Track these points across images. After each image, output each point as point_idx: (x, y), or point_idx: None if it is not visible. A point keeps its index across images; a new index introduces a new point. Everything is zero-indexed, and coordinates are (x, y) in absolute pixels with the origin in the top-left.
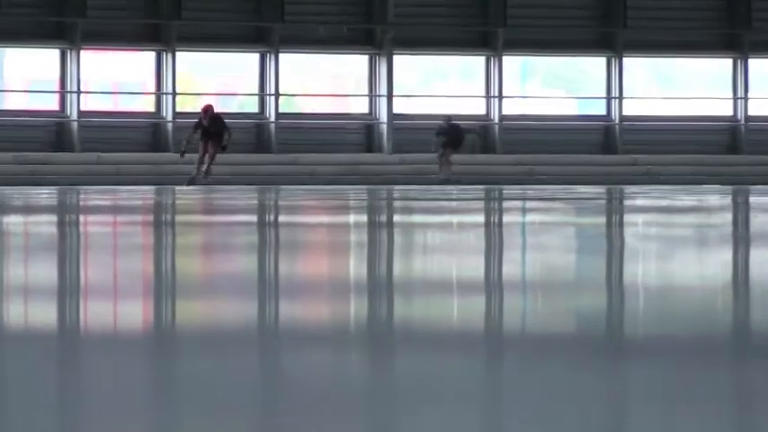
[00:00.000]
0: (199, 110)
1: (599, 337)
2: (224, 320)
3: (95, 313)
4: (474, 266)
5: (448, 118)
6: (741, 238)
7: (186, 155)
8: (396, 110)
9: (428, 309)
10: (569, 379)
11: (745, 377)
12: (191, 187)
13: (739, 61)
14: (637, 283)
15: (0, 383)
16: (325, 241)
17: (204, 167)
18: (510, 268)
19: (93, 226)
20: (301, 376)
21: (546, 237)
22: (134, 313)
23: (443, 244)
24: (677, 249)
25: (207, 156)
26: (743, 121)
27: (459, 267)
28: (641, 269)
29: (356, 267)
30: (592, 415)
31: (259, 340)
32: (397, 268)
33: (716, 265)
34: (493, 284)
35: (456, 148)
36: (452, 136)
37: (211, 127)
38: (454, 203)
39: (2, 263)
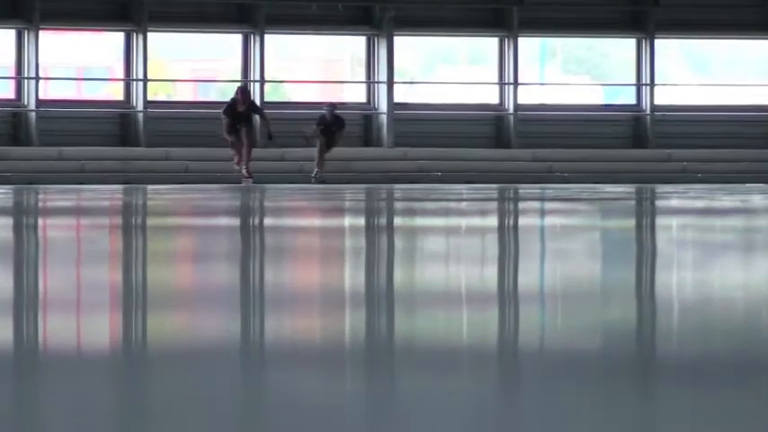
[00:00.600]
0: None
1: (627, 358)
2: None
3: (90, 330)
4: (487, 277)
5: (332, 106)
6: None
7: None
8: (397, 99)
9: (451, 323)
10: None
11: None
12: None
13: None
14: (670, 296)
15: None
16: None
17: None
18: (526, 279)
19: (53, 231)
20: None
21: (565, 244)
22: (101, 329)
23: (452, 252)
24: (716, 258)
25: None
26: None
27: (469, 278)
28: (675, 280)
29: (377, 280)
30: None
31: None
32: (404, 279)
33: (761, 275)
34: (509, 297)
35: (330, 142)
36: (331, 127)
37: (247, 113)
38: (464, 204)
39: None
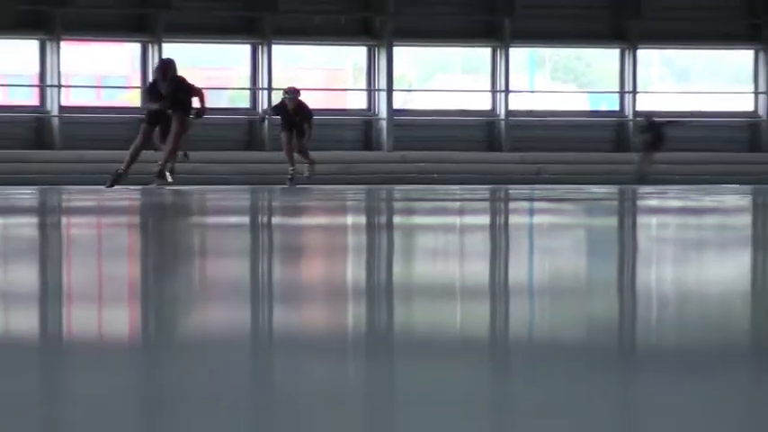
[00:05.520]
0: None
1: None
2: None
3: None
4: (478, 268)
5: (294, 92)
6: (760, 242)
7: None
8: (396, 105)
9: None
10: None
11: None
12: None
13: (761, 53)
14: (654, 289)
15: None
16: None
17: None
18: (513, 270)
19: (81, 228)
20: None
21: (549, 240)
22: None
23: (446, 246)
24: (691, 252)
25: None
26: (765, 117)
27: (462, 270)
28: (656, 275)
29: (380, 273)
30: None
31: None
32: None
33: (734, 270)
34: (500, 287)
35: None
36: (294, 118)
37: (296, 115)
38: (458, 204)
39: None
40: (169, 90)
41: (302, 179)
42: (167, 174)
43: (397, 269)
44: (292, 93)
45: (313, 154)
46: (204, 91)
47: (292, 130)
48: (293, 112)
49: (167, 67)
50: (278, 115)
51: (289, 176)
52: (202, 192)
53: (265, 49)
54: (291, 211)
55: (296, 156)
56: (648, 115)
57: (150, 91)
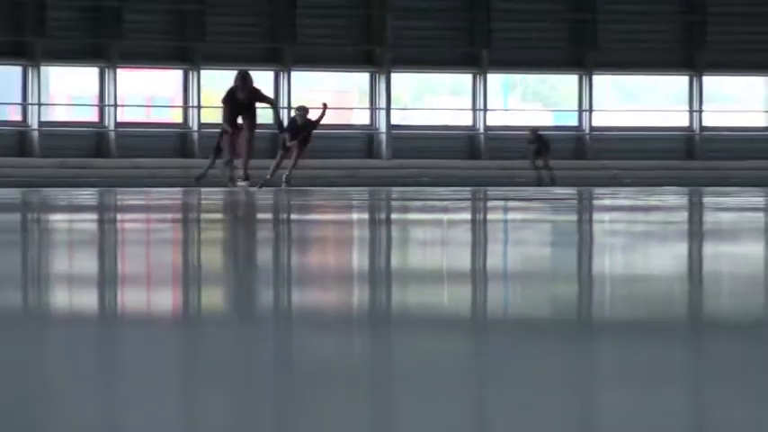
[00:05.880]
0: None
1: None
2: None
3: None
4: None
5: (304, 110)
6: (695, 233)
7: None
8: (393, 121)
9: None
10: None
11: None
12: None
13: (695, 78)
14: (606, 273)
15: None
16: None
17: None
18: (491, 255)
19: (131, 222)
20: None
21: (519, 232)
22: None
23: (436, 236)
24: (638, 242)
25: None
26: (698, 131)
27: (446, 256)
28: (606, 258)
29: (426, 260)
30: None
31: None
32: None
33: (673, 255)
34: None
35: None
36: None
37: (304, 129)
38: (445, 203)
39: (48, 254)
40: (246, 98)
41: (264, 181)
42: (244, 176)
43: (407, 250)
44: (302, 110)
45: (315, 162)
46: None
47: (299, 140)
48: (302, 126)
49: (246, 77)
50: (290, 129)
51: (284, 179)
52: (225, 193)
53: (286, 74)
54: (312, 210)
55: (281, 162)
56: (534, 129)
57: (229, 98)
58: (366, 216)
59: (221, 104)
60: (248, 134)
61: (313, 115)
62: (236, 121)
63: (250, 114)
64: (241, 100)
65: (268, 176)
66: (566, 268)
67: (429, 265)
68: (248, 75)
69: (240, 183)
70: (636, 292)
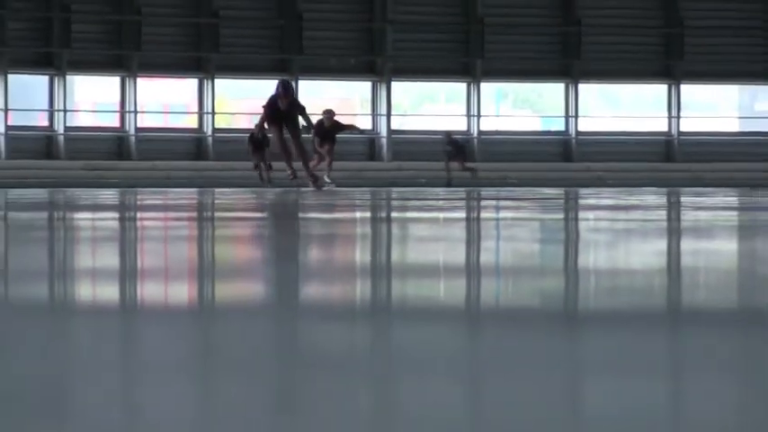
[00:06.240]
0: (234, 124)
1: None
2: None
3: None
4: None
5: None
6: (674, 230)
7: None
8: (393, 126)
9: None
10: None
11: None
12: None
13: (673, 86)
14: (587, 264)
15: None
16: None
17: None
18: (484, 250)
19: (151, 221)
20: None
21: (508, 230)
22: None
23: (431, 231)
24: (621, 238)
25: (321, 160)
26: (675, 136)
27: (440, 249)
28: (591, 252)
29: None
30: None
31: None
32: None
33: (655, 249)
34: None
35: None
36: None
37: (331, 130)
38: (439, 202)
39: (73, 248)
40: (287, 106)
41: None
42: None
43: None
44: (329, 113)
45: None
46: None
47: (325, 141)
48: (329, 128)
49: (289, 86)
50: (318, 132)
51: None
52: (242, 193)
53: (294, 83)
54: (331, 208)
55: (318, 164)
56: (448, 133)
57: (271, 105)
58: (367, 215)
59: (262, 109)
60: (296, 141)
61: (339, 119)
62: (279, 126)
63: (293, 125)
64: (282, 109)
65: (291, 176)
66: (550, 261)
67: (444, 258)
68: (290, 84)
69: (314, 184)
70: (617, 285)
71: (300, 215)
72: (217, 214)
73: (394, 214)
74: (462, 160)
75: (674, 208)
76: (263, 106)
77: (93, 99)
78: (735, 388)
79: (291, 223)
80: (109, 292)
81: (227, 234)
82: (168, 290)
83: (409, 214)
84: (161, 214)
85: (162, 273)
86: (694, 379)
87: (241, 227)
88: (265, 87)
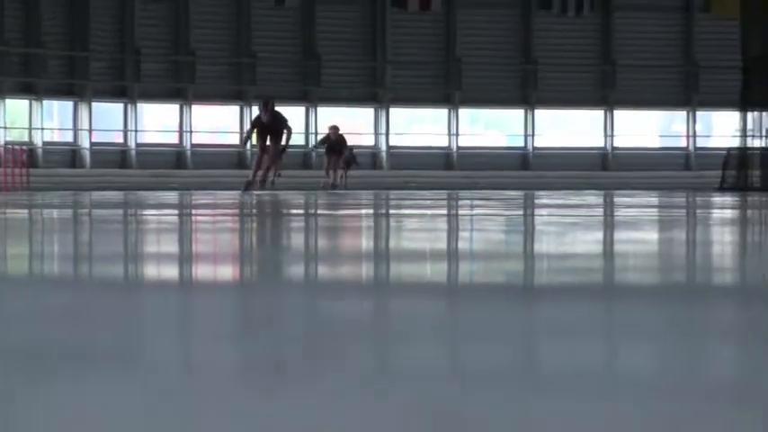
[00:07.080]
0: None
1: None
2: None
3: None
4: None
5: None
6: (608, 223)
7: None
8: (391, 143)
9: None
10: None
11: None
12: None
13: (608, 111)
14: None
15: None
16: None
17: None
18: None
19: (203, 216)
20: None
21: (487, 223)
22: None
23: (424, 225)
24: (567, 229)
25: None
26: (610, 150)
27: (430, 239)
28: (544, 243)
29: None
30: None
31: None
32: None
33: (597, 238)
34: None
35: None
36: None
37: (337, 145)
38: (428, 201)
39: (143, 237)
40: (269, 118)
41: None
42: (269, 183)
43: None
44: (335, 129)
45: (338, 173)
46: (291, 127)
47: (333, 154)
48: (335, 142)
49: (267, 102)
50: (323, 145)
51: (327, 184)
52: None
53: (313, 110)
54: (349, 206)
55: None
56: (350, 148)
57: (256, 119)
58: (370, 211)
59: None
60: (274, 150)
61: (344, 136)
62: (263, 137)
63: (277, 138)
64: (266, 122)
65: (324, 183)
66: (511, 247)
67: (432, 243)
68: (269, 100)
69: (256, 185)
70: (563, 266)
71: (318, 211)
72: (252, 211)
73: (392, 211)
74: (347, 169)
75: (608, 206)
76: (251, 121)
77: (157, 122)
78: (658, 346)
79: (309, 219)
80: (170, 271)
81: (262, 225)
82: (217, 270)
83: (404, 211)
84: (211, 210)
85: (214, 255)
86: (625, 339)
87: (270, 218)
88: (292, 112)
